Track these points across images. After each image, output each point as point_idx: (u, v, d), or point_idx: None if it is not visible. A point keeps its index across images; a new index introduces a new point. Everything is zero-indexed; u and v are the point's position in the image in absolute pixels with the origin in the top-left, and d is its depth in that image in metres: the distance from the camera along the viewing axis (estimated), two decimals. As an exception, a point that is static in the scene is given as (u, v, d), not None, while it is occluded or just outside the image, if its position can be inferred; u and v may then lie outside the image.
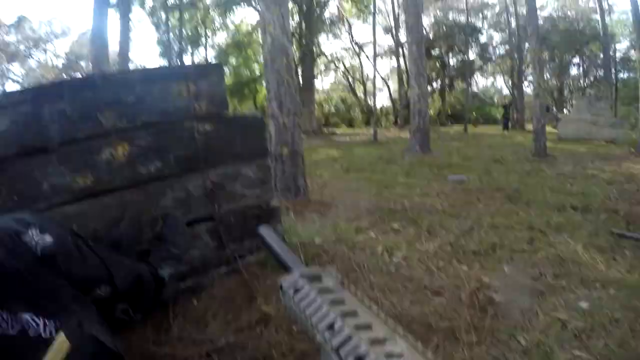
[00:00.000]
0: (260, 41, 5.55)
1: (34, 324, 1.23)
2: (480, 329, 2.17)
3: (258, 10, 25.83)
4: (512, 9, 29.48)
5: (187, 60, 29.92)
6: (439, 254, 3.28)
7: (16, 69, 37.31)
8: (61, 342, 1.19)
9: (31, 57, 38.03)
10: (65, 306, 1.35)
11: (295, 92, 5.66)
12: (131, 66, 33.97)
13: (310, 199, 5.43)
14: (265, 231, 0.76)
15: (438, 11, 34.67)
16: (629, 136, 14.17)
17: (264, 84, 5.75)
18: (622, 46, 31.99)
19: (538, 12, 32.27)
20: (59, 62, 39.04)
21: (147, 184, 2.37)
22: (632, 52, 26.72)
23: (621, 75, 30.68)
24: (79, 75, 37.78)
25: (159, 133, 2.40)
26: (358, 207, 4.93)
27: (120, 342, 1.61)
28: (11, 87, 37.16)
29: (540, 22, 31.52)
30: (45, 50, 38.85)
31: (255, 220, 2.78)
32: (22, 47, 36.68)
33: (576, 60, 35.39)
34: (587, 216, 4.58)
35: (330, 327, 0.45)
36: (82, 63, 37.98)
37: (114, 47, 16.05)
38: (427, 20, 33.75)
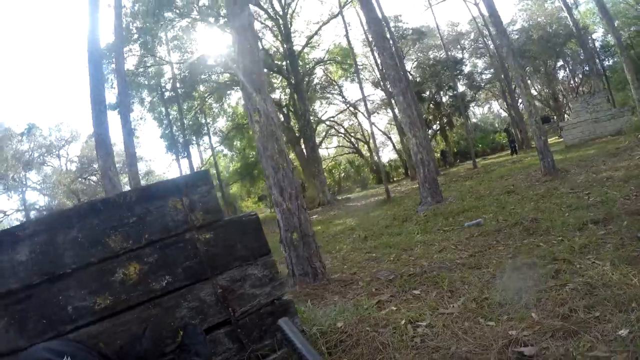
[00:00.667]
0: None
1: None
2: (518, 392, 2.05)
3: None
4: (486, 32, 30.04)
5: (193, 151, 30.77)
6: (463, 314, 3.15)
7: (33, 176, 39.16)
8: None
9: (46, 164, 40.08)
10: None
11: (293, 175, 5.64)
12: (141, 165, 34.95)
13: (330, 279, 5.31)
14: (285, 325, 0.77)
15: (418, 53, 35.58)
16: (633, 123, 14.00)
17: (263, 171, 5.77)
18: (598, 34, 32.37)
19: (510, 27, 32.99)
20: (73, 167, 41.05)
21: (161, 298, 2.47)
22: (609, 36, 26.97)
23: (606, 63, 30.81)
24: (93, 178, 39.13)
25: (163, 248, 2.51)
26: (379, 279, 4.82)
27: None
28: (30, 195, 38.64)
29: (515, 36, 32.19)
30: (58, 156, 41.02)
31: (271, 317, 2.80)
32: (35, 154, 38.60)
33: (560, 63, 35.60)
34: (610, 227, 4.47)
35: None
36: (95, 165, 39.50)
37: (122, 146, 16.55)
38: (410, 65, 34.68)
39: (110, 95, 19.14)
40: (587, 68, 29.97)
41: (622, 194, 5.73)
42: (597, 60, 27.61)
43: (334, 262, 6.72)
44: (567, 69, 35.61)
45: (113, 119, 22.33)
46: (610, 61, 30.97)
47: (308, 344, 0.63)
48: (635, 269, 3.21)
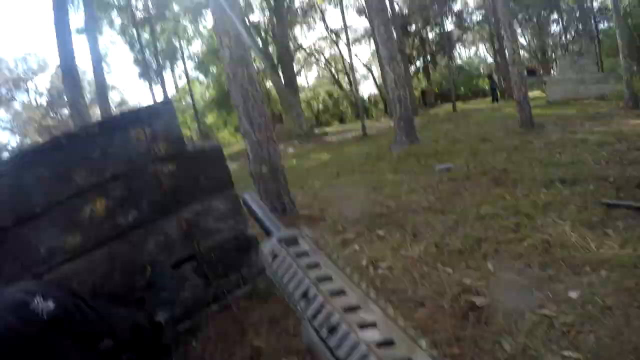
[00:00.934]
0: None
1: None
2: (462, 339, 2.15)
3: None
4: None
5: (167, 77, 29.72)
6: (423, 259, 3.25)
7: (2, 114, 38.03)
8: None
9: (14, 99, 38.55)
10: None
11: (263, 104, 5.52)
12: (113, 94, 34.07)
13: (299, 215, 5.37)
14: (249, 197, 0.74)
15: None
16: (617, 90, 14.04)
17: (232, 100, 5.62)
18: (597, -5, 31.60)
19: None
20: (43, 100, 39.40)
21: (129, 233, 2.49)
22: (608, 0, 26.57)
23: (601, 26, 30.39)
24: (65, 111, 38.26)
25: (128, 182, 2.50)
26: (346, 217, 4.90)
27: None
28: (2, 135, 37.76)
29: None
30: (27, 90, 39.16)
31: (235, 252, 2.82)
32: (3, 90, 37.09)
33: (555, 16, 34.87)
34: (576, 189, 4.53)
35: (305, 295, 0.43)
36: (66, 97, 38.36)
37: (92, 76, 15.92)
38: None
39: (77, 20, 18.01)
40: (581, 27, 29.51)
41: (594, 157, 5.79)
42: (592, 22, 27.01)
43: (305, 198, 6.74)
44: (561, 24, 34.78)
45: (81, 44, 21.16)
46: (605, 24, 30.46)
47: (272, 215, 0.66)
48: (594, 233, 3.29)
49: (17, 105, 38.83)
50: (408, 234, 3.89)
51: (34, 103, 39.48)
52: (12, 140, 38.70)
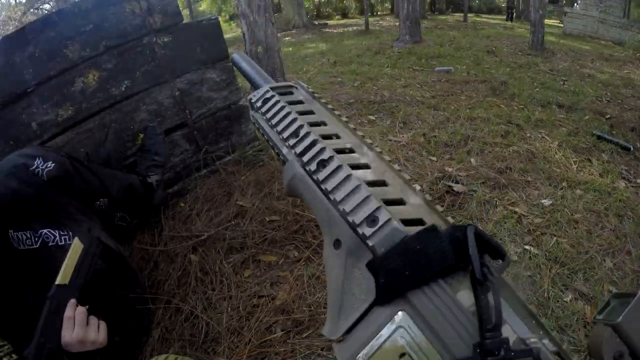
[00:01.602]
0: None
1: (51, 236, 1.57)
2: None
3: None
4: None
5: None
6: (409, 145, 3.27)
7: None
8: (76, 246, 1.40)
9: None
10: (74, 218, 1.66)
11: None
12: None
13: (291, 97, 5.30)
14: (238, 57, 0.73)
15: None
16: (637, 40, 13.67)
17: None
18: None
19: None
20: None
21: (121, 102, 2.50)
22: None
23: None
24: (46, 6, 36.28)
25: (122, 54, 2.48)
26: (338, 101, 4.85)
27: (125, 248, 2.08)
28: None
29: None
30: None
31: (226, 120, 2.87)
32: None
33: None
34: (572, 115, 4.55)
35: (296, 134, 0.44)
36: None
37: None
38: None
39: None
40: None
41: (596, 94, 5.75)
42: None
43: (301, 81, 6.63)
44: None
45: None
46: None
47: (263, 71, 0.64)
48: (578, 157, 3.37)
49: None
50: (398, 122, 3.88)
51: (12, 2, 37.37)
52: None
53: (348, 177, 0.36)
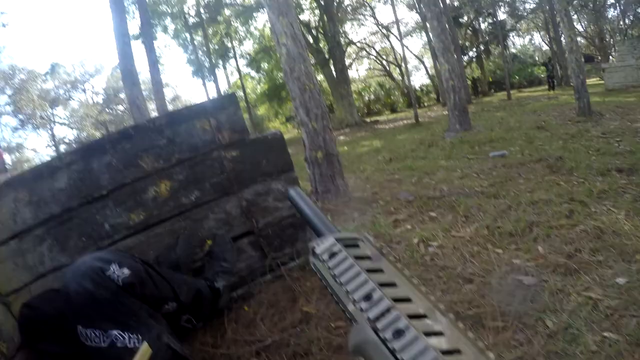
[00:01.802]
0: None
1: (121, 338, 1.60)
2: (507, 314, 2.21)
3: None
4: None
5: (220, 75, 30.47)
6: (474, 239, 3.29)
7: (60, 112, 40.22)
8: (145, 350, 1.50)
9: (72, 99, 40.96)
10: (144, 322, 1.69)
11: (320, 95, 5.68)
12: (167, 91, 35.09)
13: (352, 197, 5.48)
14: (295, 193, 0.73)
15: None
16: None
17: (290, 93, 5.87)
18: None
19: None
20: (99, 99, 41.93)
21: (190, 211, 2.70)
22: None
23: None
24: (120, 107, 39.77)
25: (193, 166, 2.71)
26: (398, 199, 4.98)
27: (186, 347, 2.01)
28: (59, 130, 39.80)
29: None
30: (84, 90, 41.68)
31: (291, 228, 3.01)
32: (61, 91, 39.44)
33: (612, 0, 33.07)
34: (633, 179, 4.42)
35: (368, 297, 0.43)
36: (122, 95, 39.94)
37: (147, 75, 16.56)
38: None
39: (133, 26, 18.77)
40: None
41: (654, 148, 5.62)
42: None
43: (357, 181, 6.85)
44: (618, 8, 33.03)
45: (137, 48, 22.07)
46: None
47: (323, 215, 0.65)
48: (648, 224, 3.26)
49: (74, 104, 41.22)
50: (460, 216, 3.94)
51: (90, 101, 41.71)
52: (69, 134, 41.12)
53: (426, 349, 0.36)
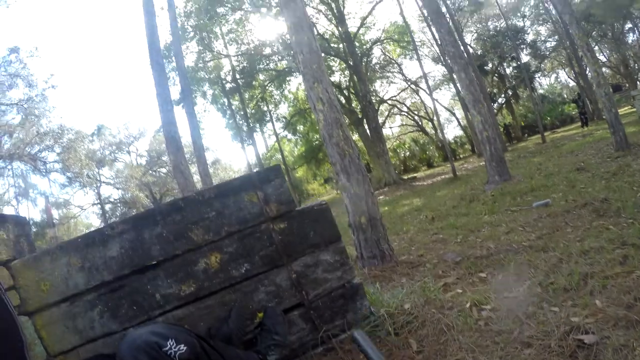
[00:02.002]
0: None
1: None
2: (572, 379, 2.15)
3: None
4: None
5: (257, 138, 31.41)
6: (528, 299, 3.23)
7: (106, 172, 42.02)
8: None
9: (117, 160, 43.28)
10: None
11: (359, 160, 5.77)
12: (207, 154, 36.31)
13: (397, 261, 5.46)
14: (359, 336, 0.84)
15: (477, 25, 33.93)
16: None
17: (329, 158, 5.99)
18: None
19: None
20: (143, 161, 44.05)
21: (241, 283, 2.77)
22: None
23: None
24: (163, 170, 41.43)
25: (242, 239, 2.80)
26: (445, 261, 4.95)
27: None
28: (105, 189, 41.52)
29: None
30: (128, 152, 44.13)
31: (341, 299, 3.02)
32: (107, 152, 41.85)
33: (629, 25, 32.77)
34: (684, 211, 4.35)
35: None
36: (164, 158, 41.98)
37: (188, 138, 17.25)
38: (470, 38, 33.43)
39: (174, 92, 20.00)
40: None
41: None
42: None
43: (401, 243, 6.86)
44: (637, 32, 32.70)
45: (178, 113, 23.26)
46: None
47: (381, 355, 0.74)
48: None
49: (119, 165, 43.48)
50: (510, 275, 3.88)
51: (135, 163, 43.91)
52: (114, 194, 43.04)
53: None
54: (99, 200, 41.79)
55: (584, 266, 3.58)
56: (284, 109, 32.68)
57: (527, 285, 3.53)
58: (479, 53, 32.10)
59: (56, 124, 31.97)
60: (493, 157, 10.98)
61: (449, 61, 18.66)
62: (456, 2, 29.53)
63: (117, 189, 42.66)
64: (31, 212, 38.29)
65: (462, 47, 15.41)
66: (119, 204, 43.40)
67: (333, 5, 25.24)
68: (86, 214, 43.54)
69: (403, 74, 33.58)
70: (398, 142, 38.02)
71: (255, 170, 2.98)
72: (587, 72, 25.71)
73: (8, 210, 35.65)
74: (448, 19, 14.38)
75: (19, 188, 33.41)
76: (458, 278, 4.25)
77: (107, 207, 42.91)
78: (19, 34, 68.48)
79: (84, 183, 36.68)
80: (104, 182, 41.82)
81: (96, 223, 46.04)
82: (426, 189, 15.37)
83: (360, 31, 27.41)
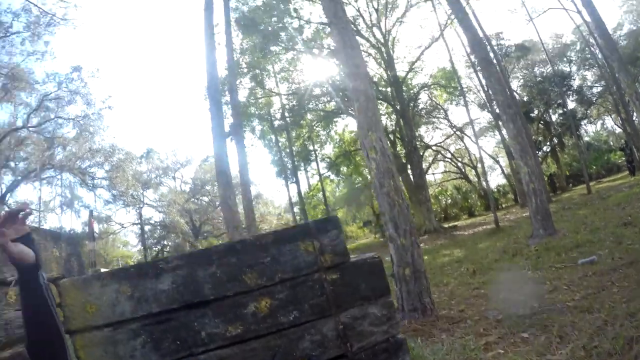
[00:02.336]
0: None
1: None
2: None
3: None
4: (592, 39, 27.13)
5: (301, 177, 31.84)
6: (571, 363, 3.20)
7: (150, 194, 43.66)
8: None
9: (162, 184, 44.94)
10: None
11: (408, 211, 5.85)
12: (252, 189, 37.03)
13: (438, 315, 5.44)
14: None
15: (524, 70, 33.69)
16: None
17: (379, 207, 6.11)
18: None
19: (616, 32, 29.94)
20: (187, 188, 45.49)
21: (287, 330, 2.72)
22: None
23: None
24: (205, 199, 43.15)
25: (294, 286, 2.78)
26: (487, 319, 4.90)
27: None
28: (146, 211, 42.99)
29: (623, 42, 29.55)
30: (174, 178, 45.77)
31: (385, 353, 3.04)
32: (153, 175, 43.57)
33: None
34: None
35: None
36: (208, 187, 43.69)
37: (234, 171, 17.70)
38: (515, 84, 33.05)
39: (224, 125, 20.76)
40: None
41: None
42: None
43: (442, 296, 6.82)
44: None
45: (227, 145, 23.96)
46: None
47: None
48: None
49: (164, 189, 45.15)
50: (553, 337, 3.82)
51: (178, 188, 45.37)
52: (155, 216, 44.54)
53: None
54: (139, 221, 43.19)
55: (630, 329, 3.50)
56: (328, 149, 33.09)
57: (570, 348, 3.49)
58: (525, 99, 31.83)
59: (108, 143, 33.92)
60: (538, 210, 10.74)
61: (496, 109, 18.67)
62: (503, 48, 29.56)
63: (159, 212, 44.19)
64: (73, 222, 40.77)
65: (510, 97, 15.33)
66: (158, 227, 44.96)
67: (383, 49, 25.84)
68: (125, 232, 45.48)
69: (449, 120, 33.68)
70: (440, 188, 37.70)
71: (312, 220, 3.04)
72: (634, 118, 25.25)
73: (52, 219, 38.42)
74: (497, 69, 14.29)
75: (65, 198, 35.47)
76: (499, 337, 4.21)
77: (147, 227, 44.28)
78: (83, 55, 72.85)
79: (127, 202, 38.13)
80: (146, 204, 43.33)
81: (134, 242, 48.14)
82: (467, 240, 15.19)
83: (408, 75, 27.87)
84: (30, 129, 29.39)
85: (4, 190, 30.43)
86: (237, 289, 2.66)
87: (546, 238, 9.96)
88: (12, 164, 30.53)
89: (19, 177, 30.36)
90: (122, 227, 44.23)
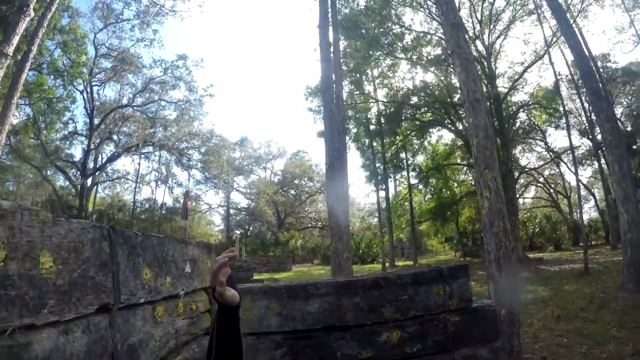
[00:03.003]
0: (478, 198, 6.33)
1: None
2: None
3: (452, 130, 27.42)
4: None
5: (390, 185, 32.17)
6: None
7: (240, 181, 46.53)
8: None
9: (253, 172, 47.77)
10: None
11: (511, 253, 5.97)
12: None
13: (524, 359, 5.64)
14: None
15: (629, 97, 30.24)
16: None
17: (485, 246, 6.22)
18: None
19: None
20: (276, 179, 47.74)
21: (410, 359, 3.20)
22: None
23: None
24: (292, 192, 45.36)
25: (422, 323, 3.25)
26: (570, 371, 5.09)
27: None
28: (234, 195, 46.00)
29: None
30: (264, 168, 48.60)
31: None
32: (245, 163, 46.33)
33: None
34: None
35: None
36: (296, 181, 45.55)
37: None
38: (619, 111, 30.21)
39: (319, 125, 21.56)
40: None
41: None
42: None
43: (525, 338, 6.94)
44: None
45: (321, 143, 24.66)
46: None
47: None
48: None
49: (254, 177, 47.96)
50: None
51: (268, 179, 47.81)
52: (242, 202, 47.33)
53: None
54: (226, 204, 46.10)
55: None
56: (420, 159, 33.01)
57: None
58: (627, 129, 29.12)
59: (207, 128, 36.65)
60: (632, 262, 10.34)
61: (597, 136, 17.42)
62: (609, 71, 27.41)
63: (247, 198, 46.86)
64: (166, 197, 44.30)
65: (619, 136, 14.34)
66: (243, 212, 47.44)
67: (485, 63, 25.31)
68: (211, 212, 48.51)
69: (546, 142, 32.18)
70: (529, 214, 36.08)
71: (446, 266, 3.49)
72: None
73: (146, 191, 41.94)
74: (607, 106, 13.25)
75: (160, 174, 38.69)
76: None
77: (232, 211, 46.89)
78: (190, 45, 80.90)
79: (218, 185, 40.93)
80: (236, 189, 46.08)
81: (217, 222, 50.91)
82: (553, 277, 14.88)
83: (509, 92, 27.10)
84: (135, 108, 32.17)
85: (104, 160, 33.88)
86: (375, 320, 3.09)
87: (636, 294, 9.66)
88: (115, 137, 33.56)
89: (120, 150, 33.16)
90: (210, 207, 47.09)
